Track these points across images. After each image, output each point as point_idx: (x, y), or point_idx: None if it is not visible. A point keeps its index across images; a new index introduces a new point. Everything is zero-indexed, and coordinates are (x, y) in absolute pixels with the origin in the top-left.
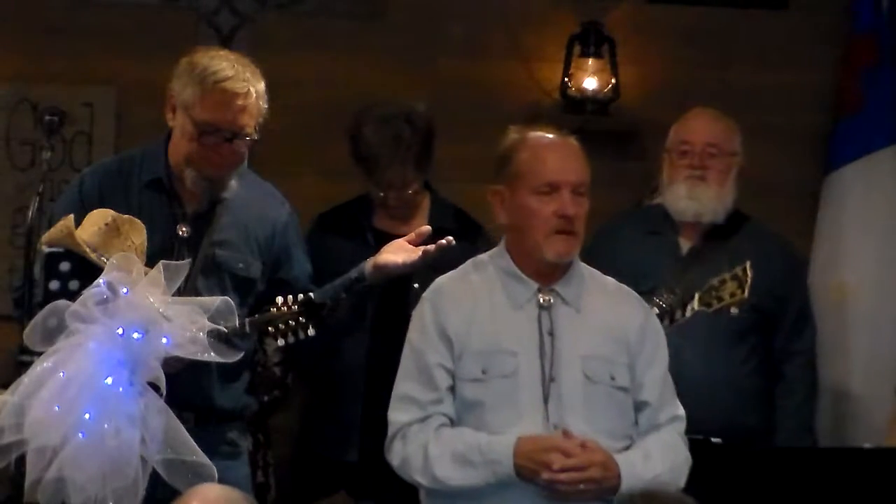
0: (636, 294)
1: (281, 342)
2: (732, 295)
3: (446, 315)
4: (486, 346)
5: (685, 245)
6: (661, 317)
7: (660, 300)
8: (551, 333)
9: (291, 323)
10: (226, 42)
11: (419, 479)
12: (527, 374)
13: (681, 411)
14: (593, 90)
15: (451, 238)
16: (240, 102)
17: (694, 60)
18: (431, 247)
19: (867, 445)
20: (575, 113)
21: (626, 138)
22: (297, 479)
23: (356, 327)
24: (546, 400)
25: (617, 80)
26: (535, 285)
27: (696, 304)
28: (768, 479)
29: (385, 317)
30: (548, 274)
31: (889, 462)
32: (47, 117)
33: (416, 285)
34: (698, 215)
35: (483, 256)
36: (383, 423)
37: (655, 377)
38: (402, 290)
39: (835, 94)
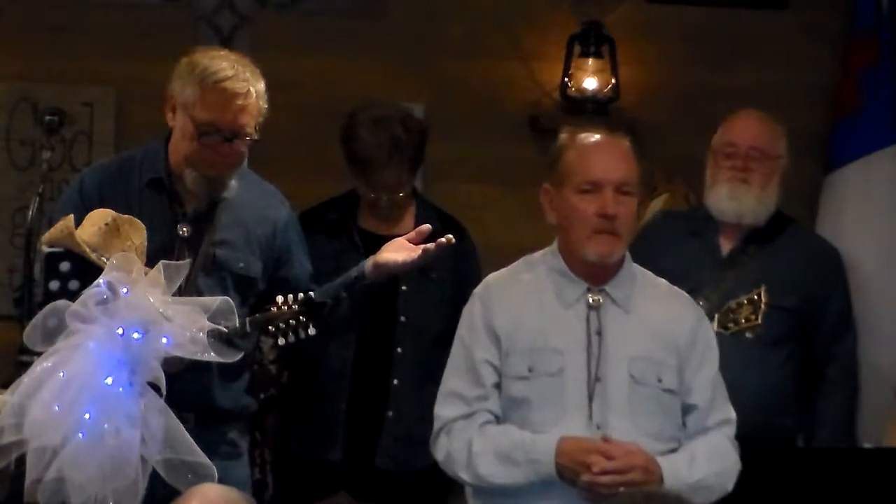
0: (688, 296)
1: (282, 341)
2: (748, 319)
3: (494, 313)
4: (533, 343)
5: (726, 247)
6: None
7: None
8: (599, 333)
9: (292, 322)
10: (226, 42)
11: (463, 475)
12: (573, 373)
13: (732, 415)
14: (593, 90)
15: (451, 236)
16: (240, 102)
17: (694, 60)
18: (431, 245)
19: (867, 445)
20: (575, 113)
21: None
22: (282, 478)
23: (356, 326)
24: (591, 399)
25: (617, 80)
26: (585, 285)
27: (715, 325)
28: (768, 478)
29: (372, 318)
30: (598, 274)
31: (889, 462)
32: (47, 117)
33: (403, 287)
34: (739, 216)
35: (535, 255)
36: (368, 422)
37: (704, 380)
38: (390, 291)
39: (834, 94)
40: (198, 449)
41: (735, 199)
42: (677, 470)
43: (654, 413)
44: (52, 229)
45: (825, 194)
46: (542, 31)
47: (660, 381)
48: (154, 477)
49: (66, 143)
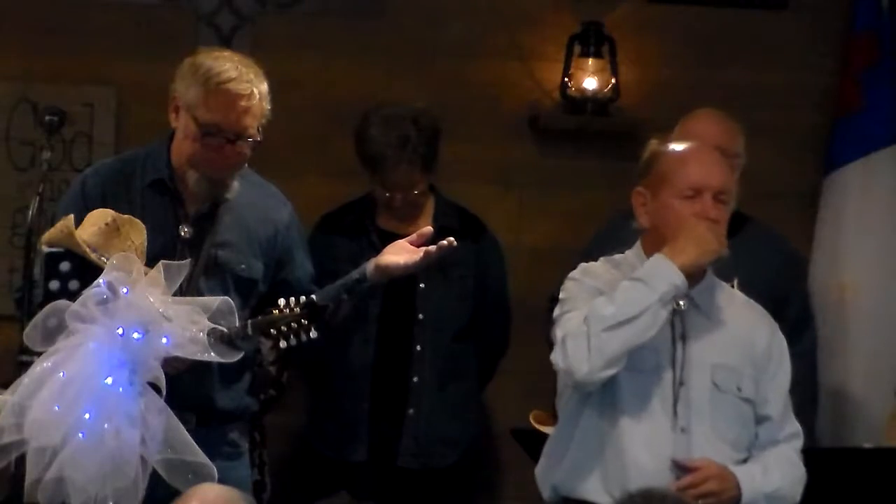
0: (762, 308)
1: (283, 344)
2: None
3: (596, 283)
4: None
5: None
6: None
7: None
8: (683, 338)
9: (293, 325)
10: (226, 42)
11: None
12: (660, 374)
13: (799, 429)
14: (593, 90)
15: (452, 239)
16: (243, 104)
17: (694, 60)
18: (433, 248)
19: (867, 445)
20: (575, 113)
21: (626, 138)
22: (298, 478)
23: (357, 328)
24: (675, 402)
25: (617, 80)
26: None
27: None
28: None
29: (392, 316)
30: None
31: (889, 462)
32: (47, 117)
33: (421, 285)
34: None
35: (617, 257)
36: (391, 421)
37: (779, 392)
38: (409, 289)
39: (835, 94)
40: (198, 449)
41: None
42: (753, 478)
43: (733, 421)
44: (52, 229)
45: (825, 194)
46: (542, 31)
47: (739, 389)
48: (154, 477)
49: (66, 143)
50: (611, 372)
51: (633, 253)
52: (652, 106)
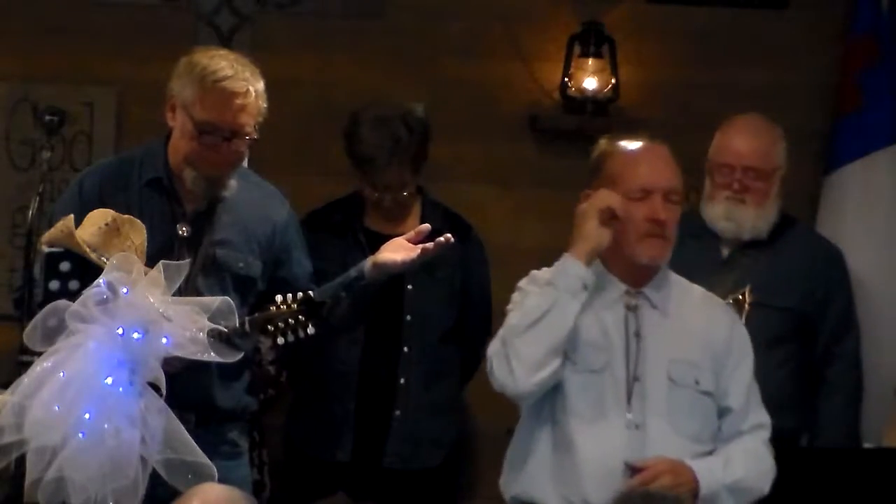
0: (723, 302)
1: (281, 340)
2: None
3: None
4: (576, 337)
5: (725, 250)
6: None
7: None
8: (637, 335)
9: (291, 321)
10: (226, 42)
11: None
12: (612, 372)
13: (766, 419)
14: (593, 90)
15: (449, 236)
16: (239, 102)
17: (694, 60)
18: (430, 245)
19: (867, 445)
20: (575, 113)
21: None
22: (297, 478)
23: (356, 325)
24: (629, 399)
25: (617, 80)
26: (624, 287)
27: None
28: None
29: (380, 318)
30: (637, 277)
31: (889, 462)
32: (47, 117)
33: (409, 286)
34: (738, 234)
35: None
36: (377, 422)
37: (740, 384)
38: (397, 291)
39: (835, 94)
40: (198, 449)
41: (732, 221)
42: (712, 471)
43: (691, 415)
44: (52, 229)
45: (825, 194)
46: (542, 31)
47: (697, 383)
48: (154, 477)
49: (66, 143)
50: (541, 375)
51: None
52: (652, 106)
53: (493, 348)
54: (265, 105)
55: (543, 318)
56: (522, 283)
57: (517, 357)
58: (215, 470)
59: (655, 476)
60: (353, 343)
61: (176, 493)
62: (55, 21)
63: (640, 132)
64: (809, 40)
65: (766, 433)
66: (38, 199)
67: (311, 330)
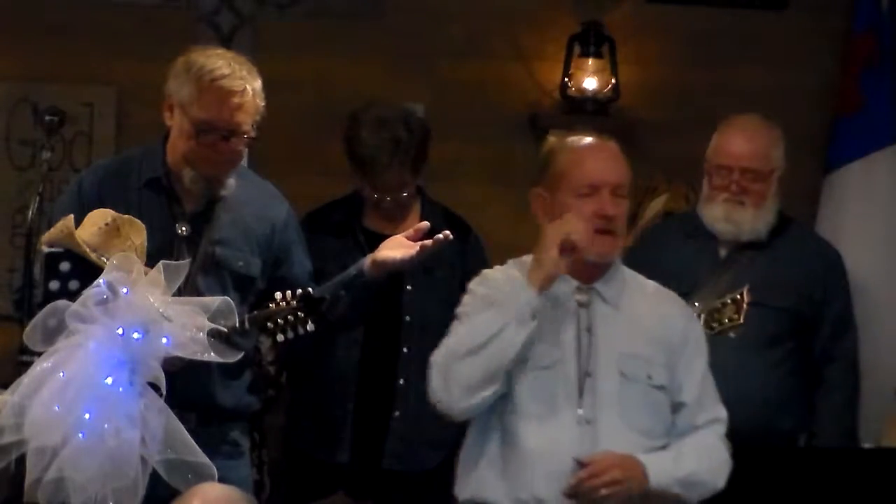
0: (677, 296)
1: (281, 338)
2: (730, 319)
3: (494, 292)
4: (528, 336)
5: (723, 250)
6: None
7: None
8: (589, 330)
9: (290, 318)
10: (226, 42)
11: (443, 383)
12: (564, 368)
13: (722, 414)
14: (593, 90)
15: (448, 233)
16: (236, 100)
17: (694, 60)
18: (429, 242)
19: (867, 445)
20: (575, 113)
21: (626, 138)
22: (296, 478)
23: (355, 324)
24: (581, 395)
25: (617, 80)
26: (575, 283)
27: (701, 325)
28: (768, 478)
29: (379, 319)
30: (589, 273)
31: (889, 462)
32: (47, 117)
33: (408, 287)
34: (737, 236)
35: (525, 258)
36: (376, 423)
37: (694, 379)
38: (396, 291)
39: (835, 94)
40: (198, 449)
41: (731, 222)
42: (662, 465)
43: (644, 409)
44: (52, 229)
45: (825, 194)
46: (542, 31)
47: (649, 377)
48: (154, 477)
49: (66, 143)
50: (476, 400)
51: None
52: (652, 106)
53: (436, 360)
54: (263, 104)
55: (487, 345)
56: (473, 284)
57: (455, 378)
58: (215, 470)
59: (603, 470)
60: (353, 344)
61: (176, 493)
62: (55, 21)
63: (586, 128)
64: (809, 40)
65: (721, 427)
66: (38, 199)
67: (310, 327)
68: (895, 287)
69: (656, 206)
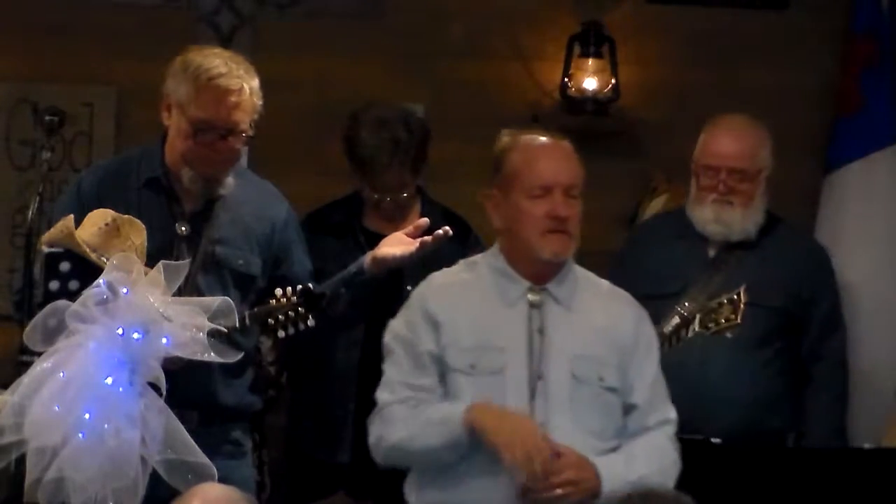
0: (630, 296)
1: (281, 334)
2: (727, 319)
3: (435, 305)
4: (475, 341)
5: (712, 250)
6: (680, 325)
7: (682, 309)
8: (541, 332)
9: (291, 314)
10: (226, 42)
11: (386, 448)
12: (514, 371)
13: (672, 415)
14: (593, 90)
15: (447, 228)
16: (233, 99)
17: (694, 60)
18: (428, 238)
19: (867, 445)
20: (575, 113)
21: (626, 138)
22: (296, 479)
23: (356, 322)
24: (533, 398)
25: (617, 81)
26: (527, 284)
27: (696, 325)
28: (768, 478)
29: (378, 318)
30: (541, 274)
31: (889, 462)
32: (47, 117)
33: (408, 287)
34: (726, 237)
35: (476, 257)
36: None
37: (645, 381)
38: (396, 291)
39: (835, 94)
40: (198, 449)
41: (721, 223)
42: (614, 467)
43: (596, 411)
44: (52, 229)
45: (825, 194)
46: (542, 31)
47: (601, 379)
48: (154, 477)
49: (66, 143)
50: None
51: (491, 253)
52: (652, 106)
53: (375, 415)
54: (260, 102)
55: (419, 454)
56: (388, 338)
57: (385, 456)
58: (215, 470)
59: (559, 470)
60: (353, 344)
61: (176, 493)
62: (55, 21)
63: (540, 128)
64: (809, 40)
65: (671, 428)
66: (38, 199)
67: (311, 322)
68: (895, 287)
69: (656, 206)
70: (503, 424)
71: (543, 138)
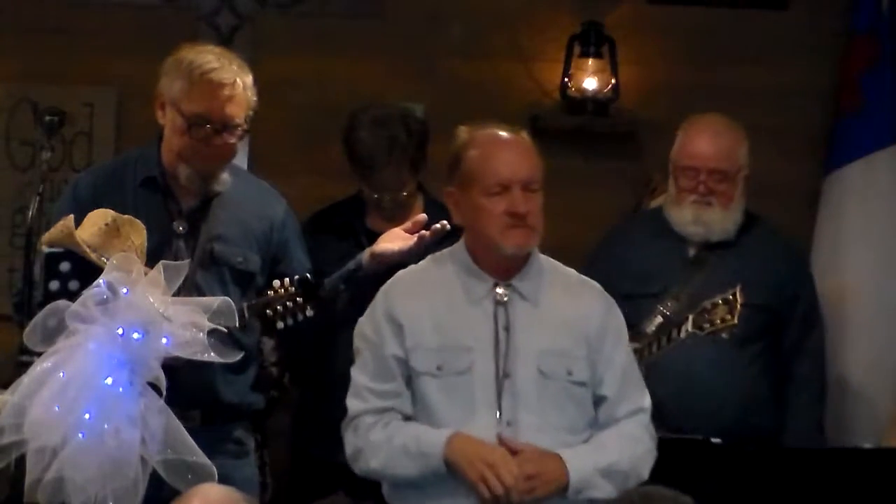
0: (600, 287)
1: (280, 325)
2: (723, 320)
3: (399, 307)
4: (441, 342)
5: (692, 249)
6: (664, 325)
7: (664, 308)
8: (507, 329)
9: (289, 304)
10: (226, 42)
11: (366, 469)
12: (481, 370)
13: (646, 403)
14: (593, 90)
15: (445, 222)
16: (227, 93)
17: (694, 60)
18: (427, 233)
19: (867, 445)
20: (575, 113)
21: (626, 138)
22: (297, 479)
23: (356, 319)
24: (500, 396)
25: (617, 81)
26: (492, 280)
27: (689, 325)
28: (768, 479)
29: None
30: (506, 269)
31: (889, 462)
32: (47, 117)
33: None
34: (707, 237)
35: (444, 252)
36: None
37: (615, 372)
38: None
39: (835, 94)
40: (198, 449)
41: (701, 224)
42: (581, 457)
43: (565, 406)
44: (52, 229)
45: (825, 194)
46: (542, 31)
47: (570, 373)
48: (155, 477)
49: (66, 143)
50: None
51: (457, 247)
52: (652, 106)
53: (347, 424)
54: (255, 98)
55: (392, 477)
56: (356, 338)
57: (358, 465)
58: (215, 470)
59: (520, 463)
60: (352, 345)
61: (176, 493)
62: (55, 21)
63: (498, 123)
64: (809, 40)
65: (644, 417)
66: (38, 199)
67: (309, 312)
68: (895, 287)
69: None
70: (476, 462)
71: (500, 133)
